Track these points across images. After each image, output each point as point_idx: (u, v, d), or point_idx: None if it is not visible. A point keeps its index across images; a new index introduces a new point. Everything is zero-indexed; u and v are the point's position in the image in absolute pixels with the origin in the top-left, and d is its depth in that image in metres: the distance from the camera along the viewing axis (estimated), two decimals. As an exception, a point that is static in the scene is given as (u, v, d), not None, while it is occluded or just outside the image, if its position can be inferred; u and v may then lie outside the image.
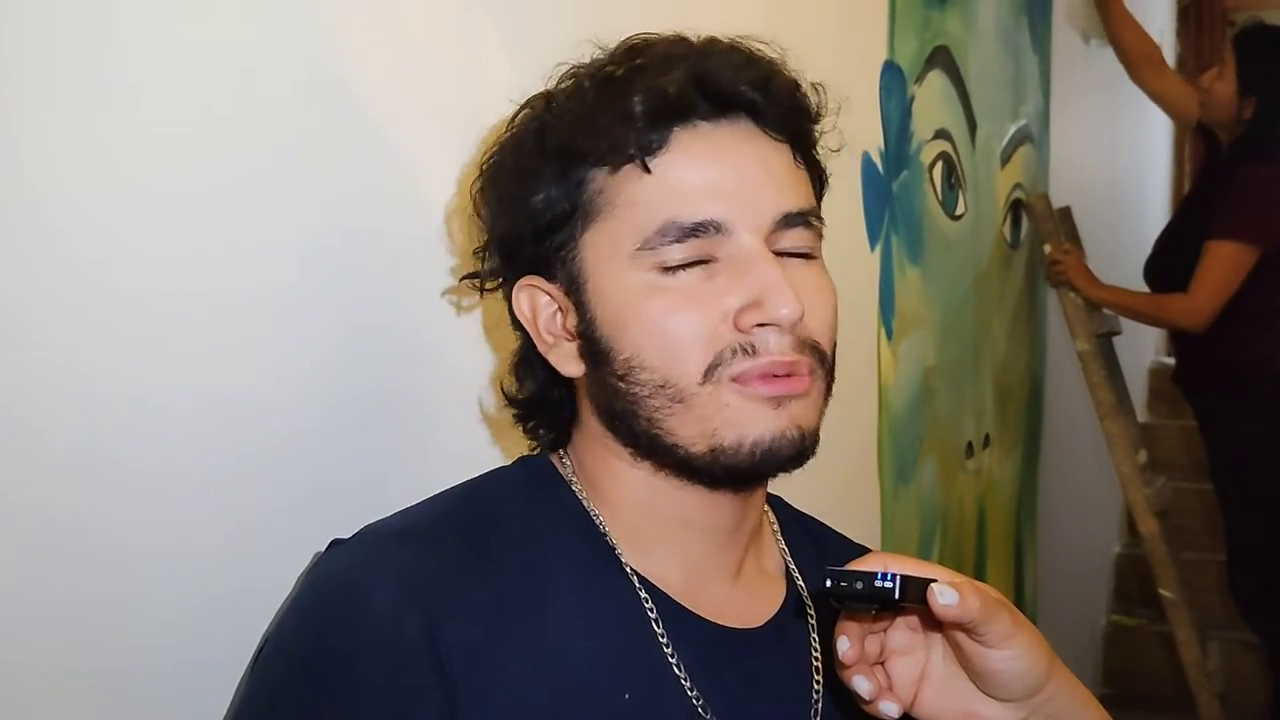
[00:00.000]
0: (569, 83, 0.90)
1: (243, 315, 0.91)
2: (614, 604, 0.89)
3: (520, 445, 1.01)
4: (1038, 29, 3.19)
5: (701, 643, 0.90)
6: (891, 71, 2.14)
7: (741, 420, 0.84)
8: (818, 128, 0.93)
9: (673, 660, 0.88)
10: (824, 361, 0.88)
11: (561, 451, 0.96)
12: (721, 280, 0.85)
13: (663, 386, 0.85)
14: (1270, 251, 3.00)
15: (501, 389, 0.99)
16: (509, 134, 0.92)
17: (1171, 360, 5.06)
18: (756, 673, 0.92)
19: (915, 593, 0.75)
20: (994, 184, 2.88)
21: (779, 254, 0.86)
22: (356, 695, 0.80)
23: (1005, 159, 2.95)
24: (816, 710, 0.93)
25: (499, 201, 0.91)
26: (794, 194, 0.88)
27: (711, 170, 0.86)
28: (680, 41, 0.90)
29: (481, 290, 0.97)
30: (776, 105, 0.88)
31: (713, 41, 0.90)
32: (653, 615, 0.89)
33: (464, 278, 0.99)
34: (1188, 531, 3.76)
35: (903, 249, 2.22)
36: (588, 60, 0.91)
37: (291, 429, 0.96)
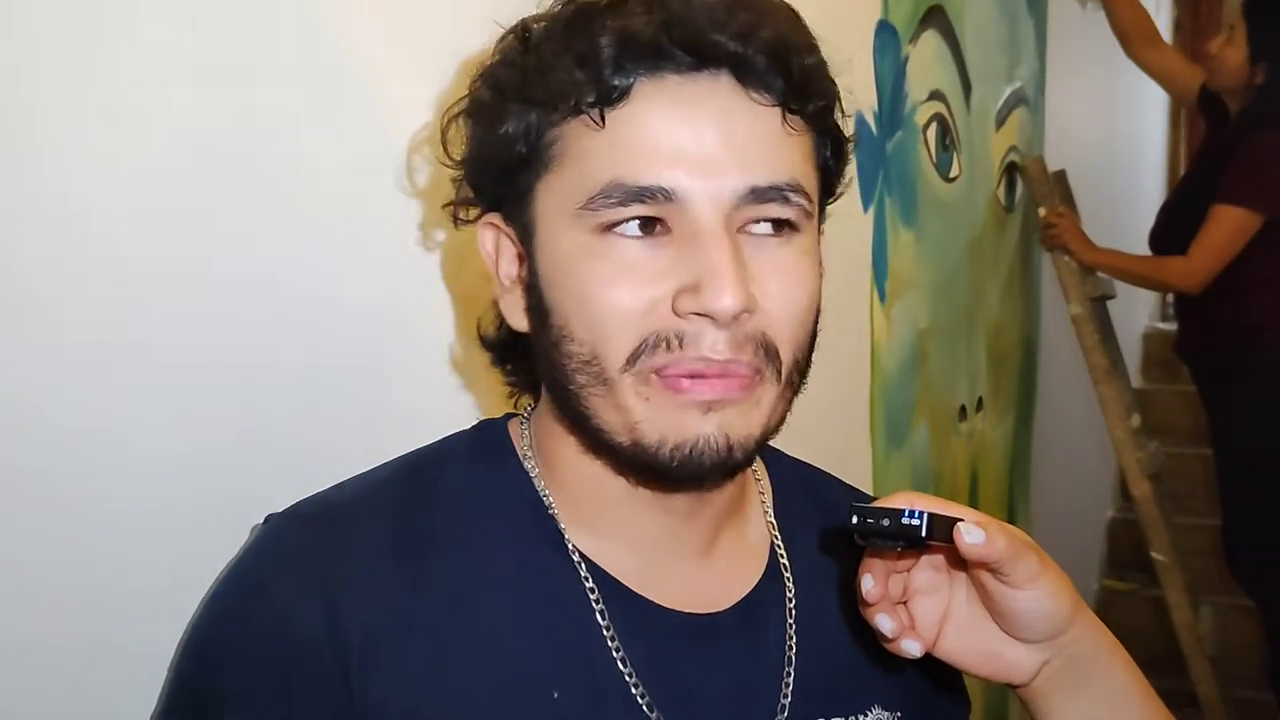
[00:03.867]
0: (552, 12, 0.81)
1: (211, 281, 0.88)
2: (554, 591, 0.82)
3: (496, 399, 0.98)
4: (1034, -10, 3.17)
5: (653, 633, 0.83)
6: (886, 31, 2.12)
7: (664, 419, 0.76)
8: (824, 89, 0.82)
9: (617, 654, 0.82)
10: (776, 361, 0.78)
11: (524, 416, 0.91)
12: (668, 255, 0.76)
13: (588, 363, 0.77)
14: (1275, 218, 2.99)
15: (478, 327, 0.93)
16: (489, 63, 0.84)
17: (1166, 325, 5.08)
18: (717, 662, 0.85)
19: (941, 531, 0.75)
20: (989, 146, 2.86)
21: (749, 231, 0.78)
22: (247, 691, 0.76)
23: (1000, 121, 2.93)
24: (786, 693, 0.88)
25: (471, 133, 0.84)
26: (770, 164, 0.77)
27: (673, 130, 0.75)
28: None
29: (455, 220, 0.90)
30: (763, 61, 0.76)
31: None
32: (597, 605, 0.83)
33: (445, 205, 0.91)
34: (1180, 495, 3.75)
35: (896, 211, 2.20)
36: None
37: (263, 387, 0.94)
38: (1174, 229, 3.20)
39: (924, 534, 0.74)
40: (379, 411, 1.04)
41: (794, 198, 0.78)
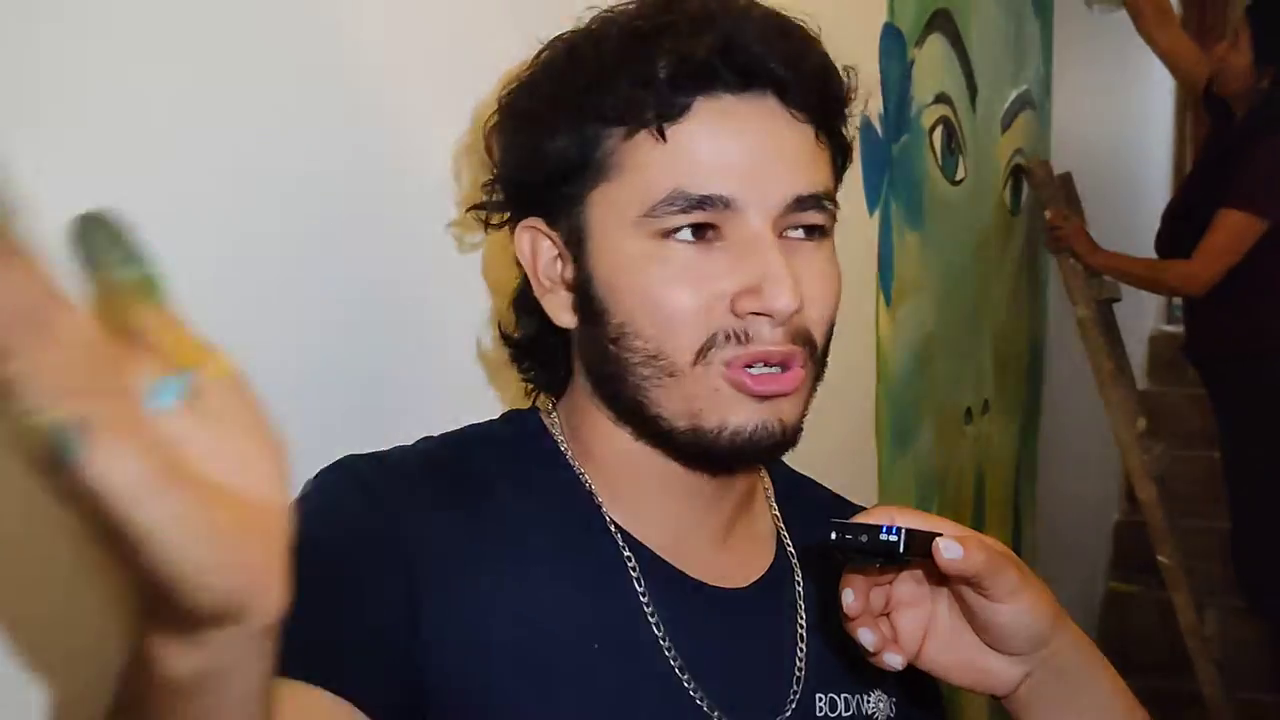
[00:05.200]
0: (595, 28, 0.87)
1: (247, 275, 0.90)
2: (592, 554, 0.88)
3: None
4: (1040, -7, 3.17)
5: (682, 598, 0.89)
6: (891, 34, 2.12)
7: (726, 406, 0.83)
8: (847, 110, 0.91)
9: (651, 617, 0.87)
10: (814, 353, 0.86)
11: (551, 407, 0.96)
12: (723, 259, 0.83)
13: (654, 357, 0.84)
14: None
15: (499, 327, 0.98)
16: (529, 73, 0.89)
17: (1172, 328, 5.08)
18: (738, 631, 0.91)
19: (920, 546, 0.75)
20: (994, 149, 2.86)
21: (787, 237, 0.85)
22: (345, 527, 0.81)
23: (1006, 124, 2.93)
24: (800, 673, 0.92)
25: (511, 141, 0.90)
26: (810, 176, 0.85)
27: (728, 145, 0.83)
28: (714, 1, 0.86)
29: (486, 225, 0.96)
30: (804, 84, 0.85)
31: (750, 6, 0.87)
32: (634, 571, 0.88)
33: (470, 208, 0.98)
34: (1186, 499, 3.75)
35: (902, 214, 2.21)
36: (617, 5, 0.88)
37: (294, 368, 0.94)
38: (1178, 232, 3.20)
39: (901, 550, 0.75)
40: (397, 414, 1.05)
41: (828, 205, 0.87)
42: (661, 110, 0.82)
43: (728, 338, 0.82)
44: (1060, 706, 0.85)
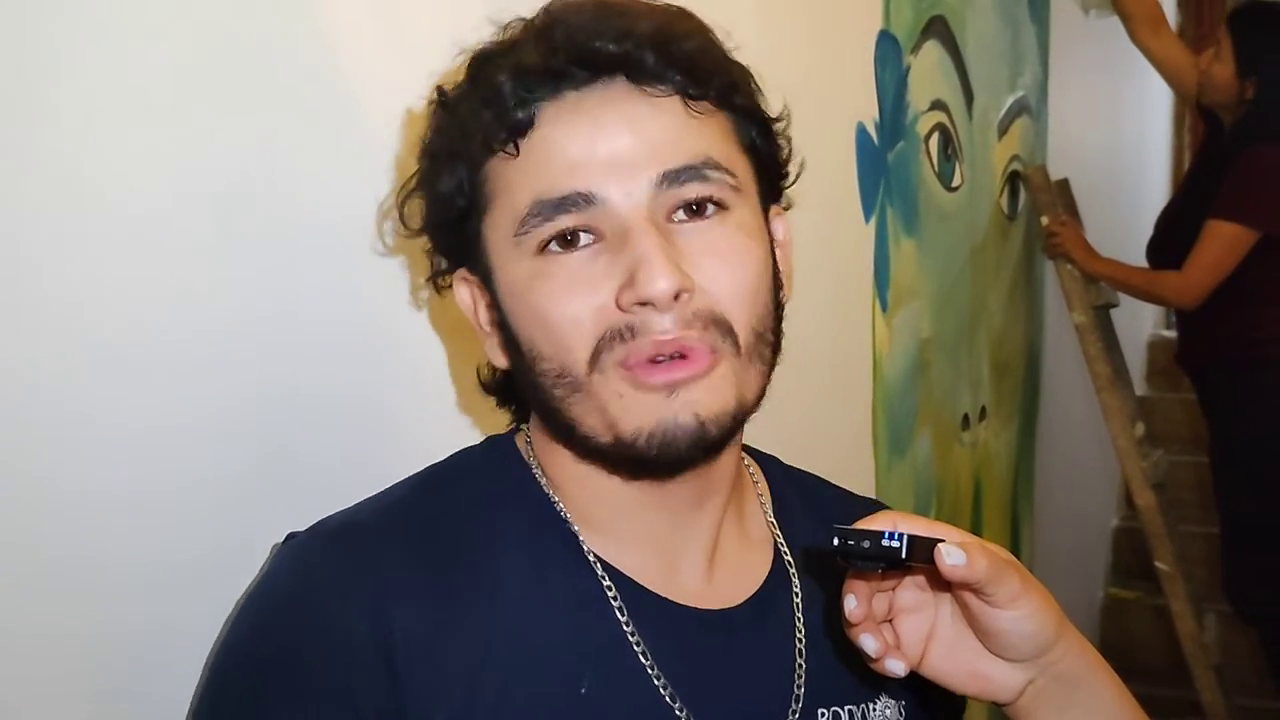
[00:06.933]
0: (463, 64, 0.87)
1: (202, 320, 0.89)
2: (573, 589, 0.85)
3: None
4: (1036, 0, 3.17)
5: (671, 628, 0.86)
6: (887, 41, 2.12)
7: (635, 409, 0.80)
8: (724, 69, 0.85)
9: (638, 648, 0.85)
10: (730, 335, 0.81)
11: (527, 431, 0.94)
12: (602, 258, 0.80)
13: (560, 376, 0.81)
14: (1273, 231, 2.98)
15: (478, 376, 0.97)
16: (427, 128, 0.89)
17: (1170, 333, 5.07)
18: (733, 655, 0.88)
19: (922, 552, 0.75)
20: (991, 155, 2.86)
21: (675, 220, 0.81)
22: (307, 686, 0.78)
23: (1002, 130, 2.93)
24: (800, 686, 0.90)
25: (423, 195, 0.89)
26: (679, 148, 0.81)
27: (577, 139, 0.80)
28: (545, 11, 0.84)
29: (438, 289, 0.95)
30: (650, 55, 0.80)
31: (587, 2, 0.83)
32: (615, 601, 0.86)
33: (427, 279, 0.96)
34: (1184, 504, 3.75)
35: (898, 220, 2.20)
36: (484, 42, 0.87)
37: (260, 413, 0.95)
38: (1170, 241, 3.19)
39: (904, 556, 0.74)
40: (382, 437, 1.05)
41: (712, 174, 0.82)
42: (511, 126, 0.81)
43: (613, 337, 0.79)
44: (1063, 713, 0.84)
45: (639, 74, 0.81)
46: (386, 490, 0.89)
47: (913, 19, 2.25)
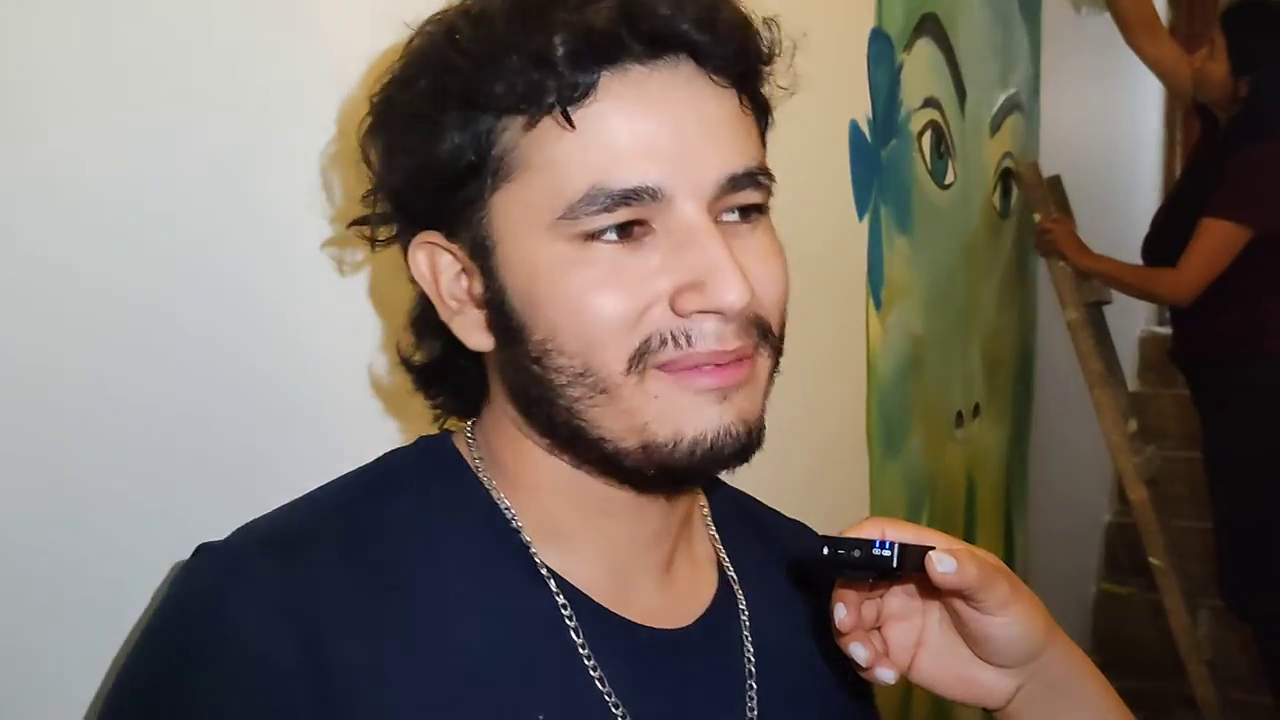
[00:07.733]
0: (474, 8, 0.75)
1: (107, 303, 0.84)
2: (525, 608, 0.79)
3: (419, 420, 0.92)
4: (1027, -3, 3.17)
5: (627, 649, 0.81)
6: (879, 39, 2.12)
7: (676, 414, 0.74)
8: (769, 68, 0.80)
9: (594, 672, 0.79)
10: (769, 339, 0.78)
11: (468, 430, 0.86)
12: (655, 254, 0.73)
13: (583, 375, 0.74)
14: (1268, 230, 2.99)
15: (398, 350, 0.87)
16: (402, 64, 0.78)
17: (1163, 329, 5.08)
18: (687, 677, 0.84)
19: (913, 561, 0.74)
20: (983, 153, 2.86)
21: (723, 221, 0.76)
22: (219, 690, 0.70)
23: (995, 127, 2.94)
24: (752, 705, 0.87)
25: (391, 147, 0.78)
26: (742, 150, 0.75)
27: (646, 125, 0.72)
28: None
29: (373, 243, 0.84)
30: (723, 45, 0.74)
31: None
32: (570, 621, 0.80)
33: (351, 224, 0.86)
34: (1177, 500, 3.76)
35: (891, 218, 2.21)
36: None
37: (168, 413, 0.89)
38: (1165, 239, 3.20)
39: (895, 565, 0.74)
40: (306, 442, 0.99)
41: (763, 180, 0.77)
42: (564, 92, 0.71)
43: (664, 341, 0.73)
44: (1052, 718, 0.84)
45: (707, 61, 0.74)
46: (314, 494, 0.81)
47: (905, 16, 2.26)
